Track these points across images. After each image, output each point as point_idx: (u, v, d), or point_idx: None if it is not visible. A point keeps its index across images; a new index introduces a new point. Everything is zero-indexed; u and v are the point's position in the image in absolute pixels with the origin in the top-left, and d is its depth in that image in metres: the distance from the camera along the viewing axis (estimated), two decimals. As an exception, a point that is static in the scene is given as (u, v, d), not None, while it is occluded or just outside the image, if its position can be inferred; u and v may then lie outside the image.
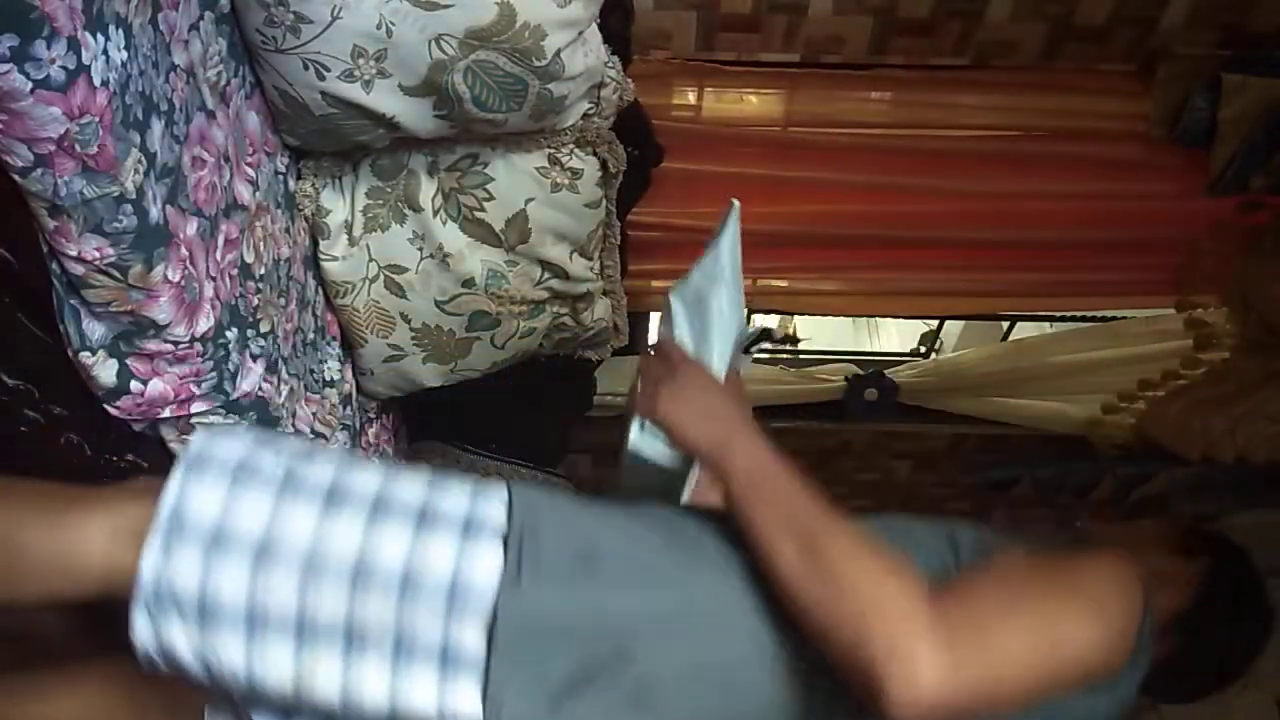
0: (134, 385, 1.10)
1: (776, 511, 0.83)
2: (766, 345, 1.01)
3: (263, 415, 1.31)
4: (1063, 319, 2.36)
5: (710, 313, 1.07)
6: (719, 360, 1.07)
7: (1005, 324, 2.50)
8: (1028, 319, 2.45)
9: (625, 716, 0.84)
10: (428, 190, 1.56)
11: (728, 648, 0.85)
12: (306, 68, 1.30)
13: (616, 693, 0.83)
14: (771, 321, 1.05)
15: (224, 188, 1.20)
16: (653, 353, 1.02)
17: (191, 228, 1.11)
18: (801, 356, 2.77)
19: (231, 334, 1.22)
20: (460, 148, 1.54)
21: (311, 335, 1.57)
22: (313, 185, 1.52)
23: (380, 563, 0.83)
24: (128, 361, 1.09)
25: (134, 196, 0.95)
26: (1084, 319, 2.32)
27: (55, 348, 1.05)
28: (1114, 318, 2.28)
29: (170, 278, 1.05)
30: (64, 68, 0.83)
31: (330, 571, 0.82)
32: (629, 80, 1.54)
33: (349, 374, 1.73)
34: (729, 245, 1.09)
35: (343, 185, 1.56)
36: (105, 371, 1.07)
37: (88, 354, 1.05)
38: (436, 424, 2.23)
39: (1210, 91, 1.70)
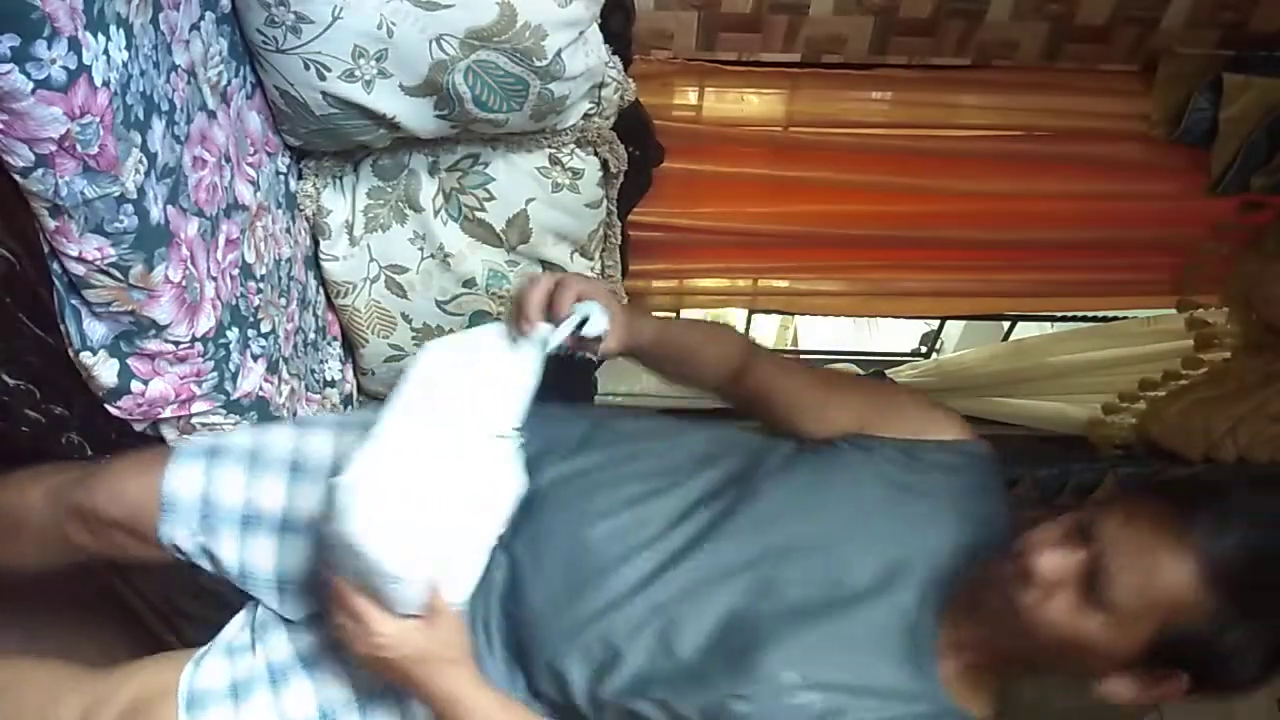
0: (135, 385, 1.10)
1: None
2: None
3: (263, 415, 1.31)
4: (1064, 319, 2.36)
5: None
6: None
7: (1006, 324, 2.49)
8: (1029, 319, 2.45)
9: None
10: (428, 190, 1.56)
11: None
12: (307, 68, 1.30)
13: None
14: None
15: (225, 188, 1.20)
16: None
17: (192, 228, 1.11)
18: (802, 356, 2.76)
19: (233, 334, 1.22)
20: (461, 148, 1.54)
21: (312, 335, 1.57)
22: (314, 185, 1.52)
23: None
24: (129, 361, 1.09)
25: (135, 197, 0.95)
26: (1085, 319, 2.32)
27: (56, 348, 1.05)
28: (1115, 318, 2.28)
29: (171, 278, 1.05)
30: (65, 68, 0.82)
31: None
32: (630, 80, 1.54)
33: (350, 374, 1.73)
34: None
35: (343, 185, 1.56)
36: (106, 371, 1.07)
37: (88, 354, 1.05)
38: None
39: (1212, 91, 1.69)
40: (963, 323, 2.54)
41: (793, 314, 2.29)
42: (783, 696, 0.92)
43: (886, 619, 0.96)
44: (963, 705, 0.94)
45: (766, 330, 2.80)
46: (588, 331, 0.97)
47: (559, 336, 0.97)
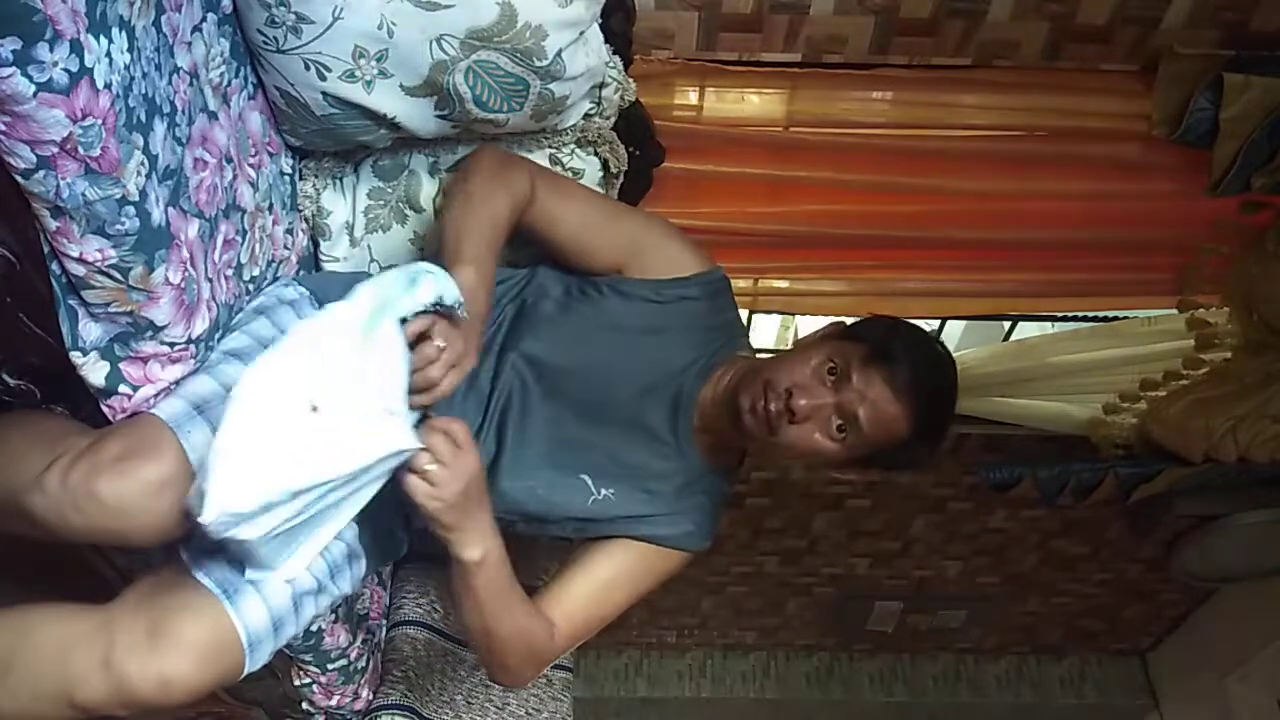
0: (123, 388, 1.10)
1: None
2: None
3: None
4: (1064, 319, 2.36)
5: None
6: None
7: (1006, 324, 2.49)
8: (1029, 319, 2.45)
9: None
10: (429, 191, 1.56)
11: None
12: (308, 68, 1.30)
13: None
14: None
15: (225, 189, 1.20)
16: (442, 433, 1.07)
17: (193, 229, 1.11)
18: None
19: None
20: (461, 148, 1.54)
21: (313, 335, 1.57)
22: (314, 186, 1.52)
23: None
24: (120, 365, 1.09)
25: (136, 199, 0.95)
26: (1085, 319, 2.32)
27: (56, 348, 1.05)
28: (1116, 318, 2.28)
29: (171, 279, 1.05)
30: (67, 70, 0.83)
31: None
32: (630, 80, 1.54)
33: (350, 374, 1.73)
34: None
35: (344, 186, 1.56)
36: (95, 373, 1.07)
37: (79, 354, 1.05)
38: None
39: (1212, 91, 1.69)
40: (963, 323, 2.54)
41: (793, 314, 2.29)
42: (585, 495, 1.29)
43: (649, 425, 1.33)
44: (713, 462, 1.36)
45: (766, 330, 2.80)
46: (445, 300, 1.08)
47: (411, 305, 1.06)
